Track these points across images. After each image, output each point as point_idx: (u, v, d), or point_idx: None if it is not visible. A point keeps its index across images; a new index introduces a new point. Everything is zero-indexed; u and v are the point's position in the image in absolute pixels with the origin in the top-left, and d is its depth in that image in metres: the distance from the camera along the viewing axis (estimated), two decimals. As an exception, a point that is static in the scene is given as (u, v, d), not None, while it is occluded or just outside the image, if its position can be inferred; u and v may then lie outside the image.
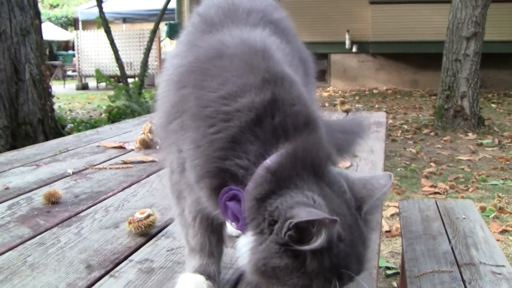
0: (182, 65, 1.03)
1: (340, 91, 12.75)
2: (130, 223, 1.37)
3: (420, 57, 12.99)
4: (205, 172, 0.92)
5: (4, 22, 4.91)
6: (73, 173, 1.99)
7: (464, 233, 2.95)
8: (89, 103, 12.36)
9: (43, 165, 2.12)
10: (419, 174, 5.59)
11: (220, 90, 0.92)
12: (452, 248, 2.76)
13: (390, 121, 9.00)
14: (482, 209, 4.26)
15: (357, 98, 11.86)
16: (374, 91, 12.87)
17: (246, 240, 0.87)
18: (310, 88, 1.29)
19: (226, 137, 0.89)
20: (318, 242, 0.79)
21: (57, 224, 1.45)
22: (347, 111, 3.57)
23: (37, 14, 5.56)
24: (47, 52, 24.13)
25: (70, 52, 21.39)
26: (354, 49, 13.43)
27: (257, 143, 0.89)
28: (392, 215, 4.21)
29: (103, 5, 8.99)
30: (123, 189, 1.78)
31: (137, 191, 1.77)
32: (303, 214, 0.80)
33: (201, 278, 1.03)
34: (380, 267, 3.32)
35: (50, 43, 24.53)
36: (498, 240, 3.65)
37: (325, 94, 12.08)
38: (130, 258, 1.23)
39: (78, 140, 2.67)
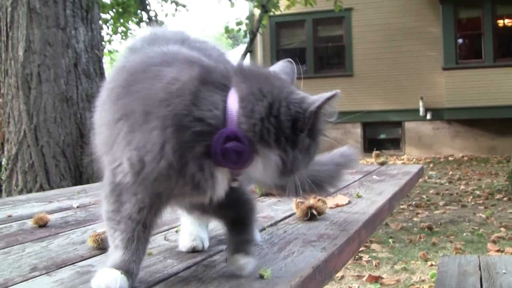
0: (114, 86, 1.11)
1: (414, 159, 12.46)
2: (90, 237, 1.46)
3: (498, 122, 12.52)
4: (188, 146, 0.96)
5: (71, 89, 5.36)
6: (77, 207, 2.12)
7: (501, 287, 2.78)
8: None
9: (55, 201, 2.28)
10: (486, 239, 5.32)
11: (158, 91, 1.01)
12: (482, 301, 2.60)
13: (462, 187, 8.67)
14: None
15: (431, 165, 11.52)
16: (450, 158, 12.45)
17: (260, 165, 0.99)
18: None
19: (185, 103, 0.96)
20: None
21: (31, 240, 1.56)
22: (382, 164, 3.54)
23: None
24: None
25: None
26: (428, 116, 13.19)
27: (214, 94, 0.98)
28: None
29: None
30: (111, 218, 1.87)
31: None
32: (312, 100, 0.97)
33: (116, 273, 1.06)
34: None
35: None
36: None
37: (399, 162, 11.83)
38: (76, 264, 1.31)
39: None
